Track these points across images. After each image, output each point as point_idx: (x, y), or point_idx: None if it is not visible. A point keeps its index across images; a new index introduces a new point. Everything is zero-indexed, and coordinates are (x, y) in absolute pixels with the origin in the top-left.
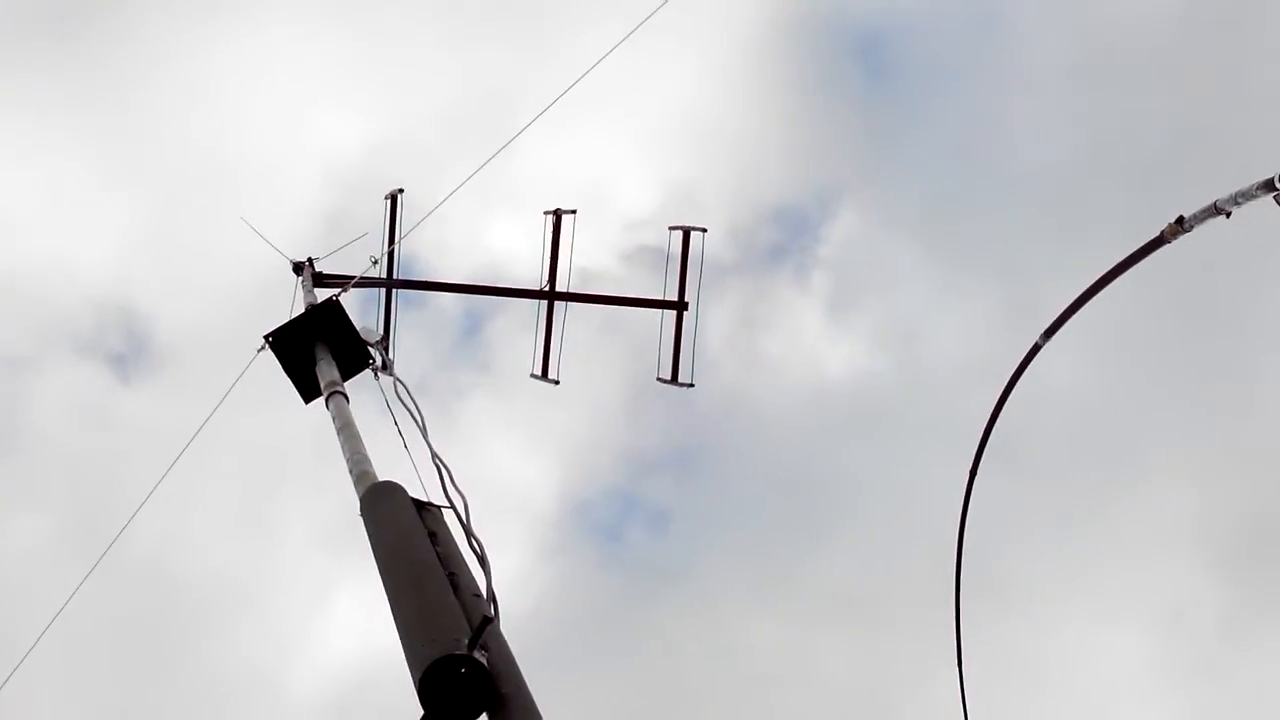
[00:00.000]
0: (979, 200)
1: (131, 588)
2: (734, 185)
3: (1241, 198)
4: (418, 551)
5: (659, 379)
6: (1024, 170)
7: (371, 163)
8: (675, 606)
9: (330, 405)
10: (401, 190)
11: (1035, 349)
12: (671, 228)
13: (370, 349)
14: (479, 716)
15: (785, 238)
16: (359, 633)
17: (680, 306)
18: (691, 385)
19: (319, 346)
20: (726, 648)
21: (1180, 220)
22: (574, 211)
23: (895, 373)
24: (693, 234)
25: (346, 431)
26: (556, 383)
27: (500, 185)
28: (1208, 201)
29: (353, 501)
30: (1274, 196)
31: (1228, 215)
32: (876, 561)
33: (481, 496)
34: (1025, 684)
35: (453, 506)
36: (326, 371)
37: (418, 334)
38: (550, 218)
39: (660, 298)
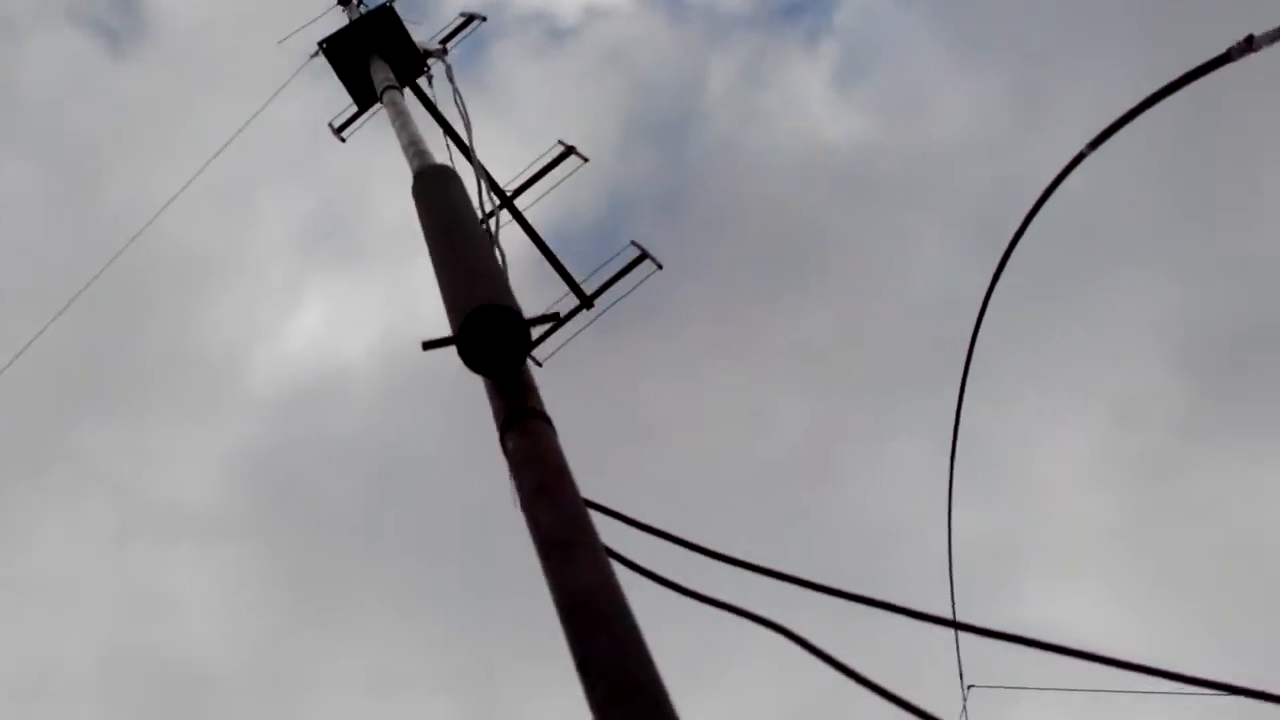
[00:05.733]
0: None
1: (110, 248)
2: None
3: None
4: (475, 226)
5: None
6: None
7: None
8: (648, 349)
9: (384, 98)
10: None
11: (1080, 157)
12: None
13: (428, 59)
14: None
15: None
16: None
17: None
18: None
19: (373, 56)
20: (682, 385)
21: (1249, 39)
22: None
23: (897, 145)
24: None
25: (402, 120)
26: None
27: None
28: None
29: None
30: None
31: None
32: (848, 324)
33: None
34: (976, 462)
35: (492, 214)
36: (380, 71)
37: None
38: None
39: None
